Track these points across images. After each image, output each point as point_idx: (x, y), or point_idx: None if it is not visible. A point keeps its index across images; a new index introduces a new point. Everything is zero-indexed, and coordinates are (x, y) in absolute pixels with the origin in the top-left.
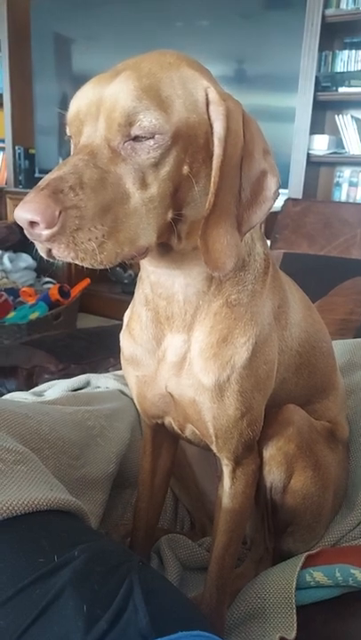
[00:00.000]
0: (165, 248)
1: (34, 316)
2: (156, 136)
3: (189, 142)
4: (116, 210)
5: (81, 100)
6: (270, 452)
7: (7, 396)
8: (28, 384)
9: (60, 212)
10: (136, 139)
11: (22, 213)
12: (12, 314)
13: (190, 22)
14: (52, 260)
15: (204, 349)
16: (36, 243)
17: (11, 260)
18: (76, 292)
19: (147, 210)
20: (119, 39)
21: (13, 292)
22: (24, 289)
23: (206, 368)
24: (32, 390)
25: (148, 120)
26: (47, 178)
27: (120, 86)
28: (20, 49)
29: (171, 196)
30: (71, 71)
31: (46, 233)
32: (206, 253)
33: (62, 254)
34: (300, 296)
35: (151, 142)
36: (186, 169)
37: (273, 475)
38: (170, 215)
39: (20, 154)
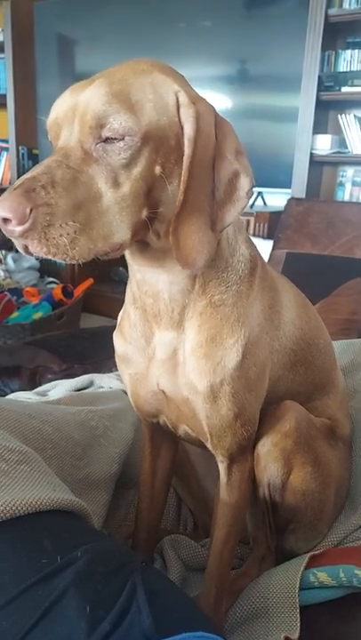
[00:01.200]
0: (144, 245)
1: (37, 315)
2: (126, 137)
3: (160, 143)
4: (88, 207)
5: (59, 107)
6: (267, 447)
7: (11, 396)
8: (32, 384)
9: (31, 210)
10: (107, 140)
11: None
12: (15, 314)
13: (193, 23)
14: (29, 256)
15: (195, 348)
16: (13, 239)
17: (14, 260)
18: (79, 291)
19: (120, 208)
20: (122, 40)
21: (17, 291)
22: (27, 289)
23: (198, 368)
24: (35, 390)
25: (117, 122)
26: (22, 178)
27: (93, 92)
28: (23, 50)
29: (144, 195)
30: (74, 72)
31: (19, 229)
32: (177, 250)
33: (35, 249)
34: (293, 294)
35: (121, 144)
36: (158, 169)
37: (270, 471)
38: (144, 213)
39: (23, 154)
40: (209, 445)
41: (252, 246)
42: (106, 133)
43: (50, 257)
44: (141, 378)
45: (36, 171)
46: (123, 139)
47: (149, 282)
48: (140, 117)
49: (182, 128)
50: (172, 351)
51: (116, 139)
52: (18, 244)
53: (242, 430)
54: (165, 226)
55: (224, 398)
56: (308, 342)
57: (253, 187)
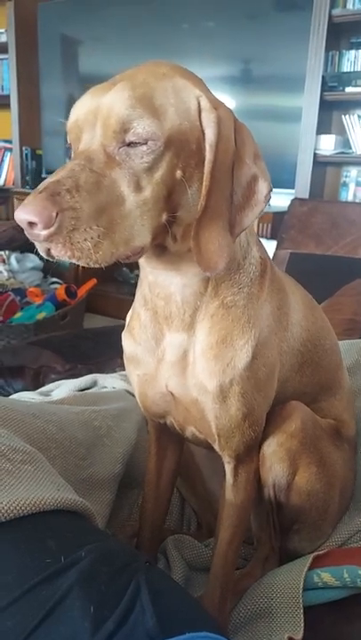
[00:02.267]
0: (161, 249)
1: (41, 316)
2: (149, 142)
3: (182, 148)
4: (111, 211)
5: (80, 109)
6: (272, 448)
7: (14, 396)
8: (35, 384)
9: (56, 214)
10: (130, 144)
11: (21, 215)
12: (18, 314)
13: (197, 24)
14: (51, 260)
15: (206, 350)
16: (35, 242)
17: (18, 261)
18: (82, 292)
19: (141, 212)
20: (126, 41)
21: (20, 292)
22: (31, 289)
23: (208, 368)
24: (39, 390)
25: (141, 127)
26: (46, 182)
27: (116, 95)
28: (27, 50)
29: (164, 199)
30: (78, 73)
31: (44, 233)
32: (198, 254)
33: (60, 253)
34: (301, 295)
35: (144, 148)
36: (179, 173)
37: (275, 471)
38: (164, 217)
39: (27, 155)
40: (216, 446)
41: (261, 248)
42: (130, 137)
43: (74, 261)
44: (150, 379)
45: (59, 174)
46: (146, 143)
47: (162, 284)
48: (163, 122)
49: (203, 133)
50: (182, 353)
51: (139, 143)
52: (40, 247)
53: (250, 431)
54: (183, 229)
55: (233, 398)
56: (314, 343)
57: (271, 190)
